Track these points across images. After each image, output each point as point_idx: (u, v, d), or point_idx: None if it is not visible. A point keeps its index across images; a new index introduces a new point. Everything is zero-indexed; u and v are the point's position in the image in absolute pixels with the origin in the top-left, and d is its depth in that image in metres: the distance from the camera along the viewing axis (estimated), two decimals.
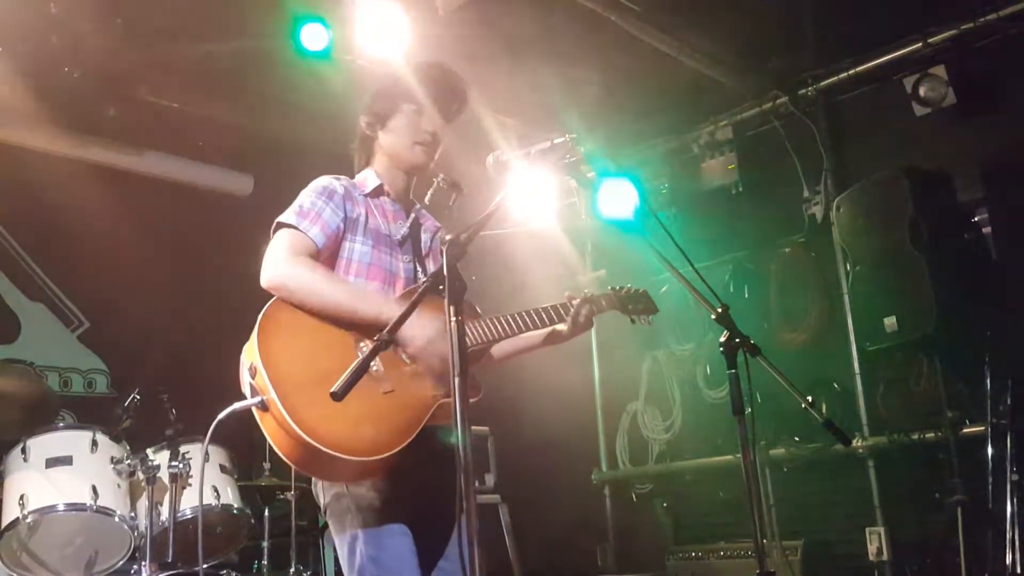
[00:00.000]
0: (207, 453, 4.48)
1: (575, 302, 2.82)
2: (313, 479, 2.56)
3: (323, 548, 5.48)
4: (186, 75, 5.44)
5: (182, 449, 4.29)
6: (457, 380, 1.96)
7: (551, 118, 5.61)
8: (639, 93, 5.89)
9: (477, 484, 4.99)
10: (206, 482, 4.36)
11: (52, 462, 4.08)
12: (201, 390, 5.47)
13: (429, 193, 2.74)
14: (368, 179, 2.76)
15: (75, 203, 5.56)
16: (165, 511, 4.18)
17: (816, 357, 5.62)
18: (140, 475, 4.20)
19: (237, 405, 2.36)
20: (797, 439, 5.54)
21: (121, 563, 4.14)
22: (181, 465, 4.23)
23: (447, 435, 2.07)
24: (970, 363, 4.53)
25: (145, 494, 4.16)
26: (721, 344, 2.57)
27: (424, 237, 2.80)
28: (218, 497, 4.35)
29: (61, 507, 3.97)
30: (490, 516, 5.63)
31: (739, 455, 2.53)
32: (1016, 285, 4.71)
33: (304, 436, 2.20)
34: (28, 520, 3.91)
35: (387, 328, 2.06)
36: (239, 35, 4.94)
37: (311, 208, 2.56)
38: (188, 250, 6.21)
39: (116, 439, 4.30)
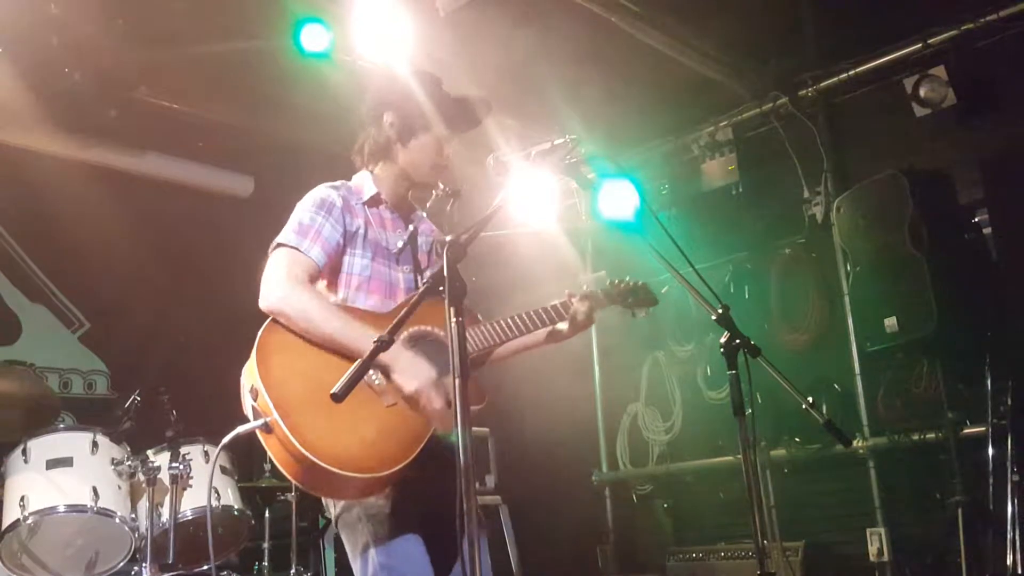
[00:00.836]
0: (207, 453, 4.49)
1: (575, 300, 2.81)
2: None
3: (323, 549, 5.48)
4: (187, 76, 5.44)
5: (182, 450, 4.29)
6: (458, 383, 1.95)
7: (551, 119, 5.61)
8: (639, 94, 5.88)
9: (478, 485, 4.99)
10: (206, 483, 4.36)
11: (53, 463, 4.09)
12: (201, 391, 5.50)
13: (430, 201, 2.74)
14: (365, 186, 2.72)
15: (76, 204, 5.57)
16: (166, 512, 4.18)
17: (816, 358, 5.61)
18: (141, 476, 4.20)
19: (241, 429, 2.34)
20: (797, 440, 5.54)
21: (122, 564, 4.14)
22: (181, 466, 4.24)
23: (450, 439, 2.07)
24: (970, 364, 4.53)
25: (146, 495, 4.17)
26: (721, 345, 2.57)
27: (421, 240, 2.78)
28: (219, 498, 4.35)
29: (62, 508, 3.97)
30: (491, 517, 5.64)
31: (739, 456, 2.53)
32: (1016, 286, 4.71)
33: (310, 456, 2.18)
34: (29, 521, 3.91)
35: (387, 330, 2.05)
36: (240, 36, 4.94)
37: (311, 224, 2.53)
38: (189, 251, 6.21)
39: (117, 440, 4.31)
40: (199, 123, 5.96)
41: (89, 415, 5.45)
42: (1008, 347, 4.39)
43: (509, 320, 2.69)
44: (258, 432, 2.32)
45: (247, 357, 2.40)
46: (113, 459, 4.22)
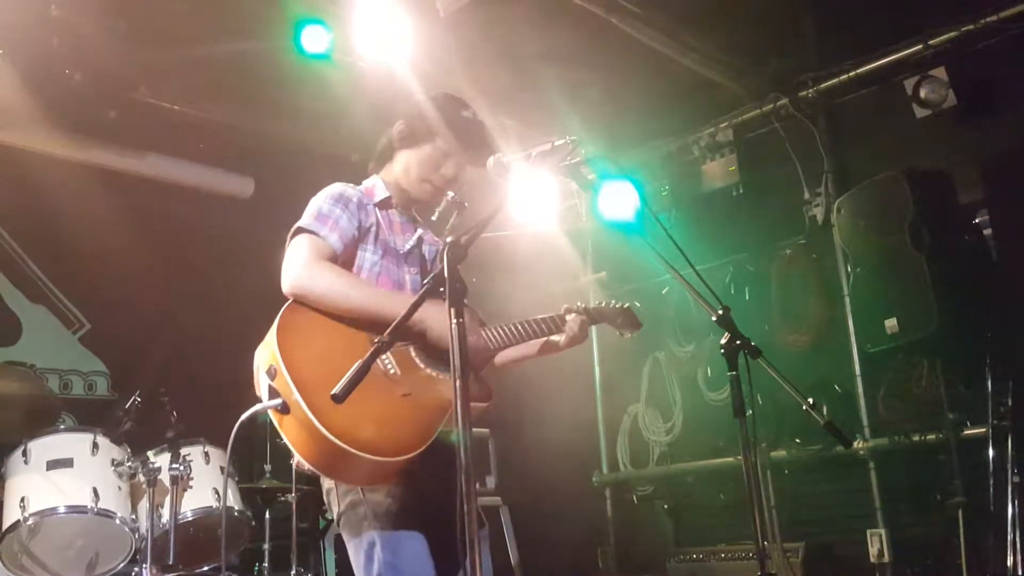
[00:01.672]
0: (207, 454, 4.49)
1: (570, 316, 2.87)
2: (325, 488, 2.55)
3: (324, 550, 5.48)
4: (187, 77, 5.44)
5: (183, 451, 4.30)
6: (458, 383, 1.95)
7: (552, 120, 5.62)
8: (640, 95, 5.89)
9: (478, 486, 4.99)
10: (207, 484, 4.37)
11: (53, 464, 4.09)
12: (202, 392, 5.53)
13: (439, 210, 2.75)
14: (377, 189, 2.76)
15: (76, 205, 5.57)
16: (166, 513, 4.18)
17: (817, 359, 5.61)
18: (141, 477, 4.21)
19: (258, 407, 2.34)
20: (798, 441, 5.54)
21: (122, 565, 4.14)
22: (182, 467, 4.24)
23: (452, 437, 2.08)
24: (971, 365, 4.53)
25: (146, 496, 4.17)
26: (722, 346, 2.57)
27: (426, 250, 2.81)
28: (219, 499, 4.35)
29: (62, 509, 3.98)
30: (491, 518, 5.63)
31: (740, 457, 2.53)
32: (1016, 286, 4.70)
33: (330, 436, 2.19)
34: (29, 522, 3.92)
35: (387, 330, 2.06)
36: (240, 37, 4.94)
37: (329, 214, 2.56)
38: (189, 252, 6.22)
39: (117, 441, 4.31)
40: (199, 124, 5.96)
41: (89, 416, 5.45)
42: (1008, 348, 4.39)
43: (510, 326, 2.72)
44: (272, 413, 2.31)
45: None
46: (113, 460, 4.22)
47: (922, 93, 5.11)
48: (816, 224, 5.74)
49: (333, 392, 1.94)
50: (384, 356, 2.41)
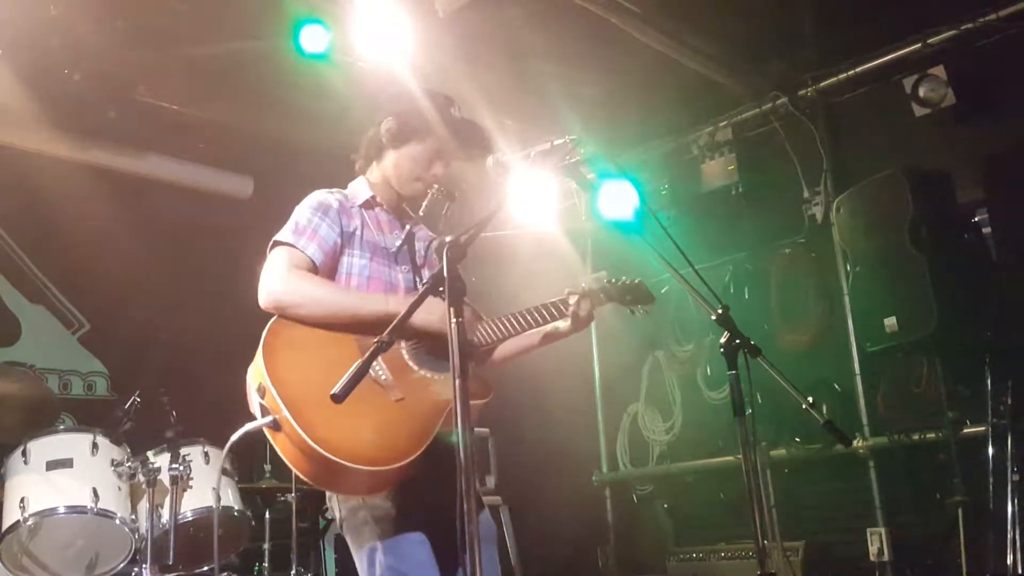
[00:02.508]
0: (207, 454, 4.49)
1: (574, 299, 2.81)
2: (328, 492, 2.54)
3: (324, 550, 5.48)
4: (186, 77, 5.44)
5: (182, 451, 4.30)
6: (458, 382, 1.95)
7: (551, 120, 5.62)
8: (639, 94, 5.89)
9: (478, 486, 4.99)
10: (206, 485, 4.36)
11: (53, 464, 4.09)
12: (201, 392, 5.51)
13: (424, 204, 2.74)
14: (360, 190, 2.75)
15: (75, 205, 5.57)
16: (166, 513, 4.18)
17: (816, 358, 5.61)
18: (141, 477, 4.21)
19: (249, 426, 2.34)
20: (798, 440, 5.54)
21: (122, 565, 4.14)
22: (181, 467, 4.24)
23: (452, 438, 2.08)
24: (970, 364, 4.53)
25: (146, 496, 4.17)
26: (721, 345, 2.56)
27: (419, 246, 2.79)
28: (219, 499, 4.35)
29: (62, 510, 3.97)
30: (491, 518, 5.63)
31: (740, 456, 2.53)
32: (1016, 286, 4.71)
33: (321, 451, 2.18)
34: (29, 523, 3.91)
35: (387, 331, 2.06)
36: (239, 37, 4.94)
37: (307, 225, 2.56)
38: (188, 252, 6.21)
39: (117, 441, 4.31)
40: (199, 124, 5.96)
41: (89, 416, 5.44)
42: (1008, 347, 4.39)
43: (512, 316, 2.69)
44: (266, 430, 2.31)
45: (248, 357, 2.40)
46: (113, 460, 4.22)
47: (921, 92, 5.11)
48: (815, 223, 5.74)
49: (333, 392, 1.93)
50: (375, 363, 2.38)
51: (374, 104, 2.84)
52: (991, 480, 4.21)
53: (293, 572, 4.86)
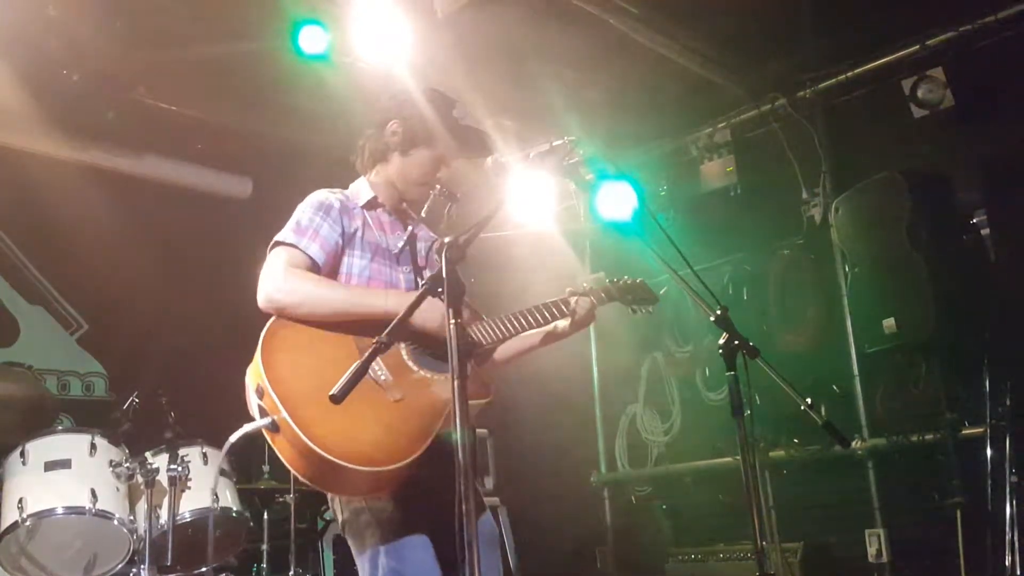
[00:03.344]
0: (205, 455, 4.49)
1: (575, 298, 2.82)
2: (330, 494, 2.53)
3: (322, 551, 5.48)
4: (185, 78, 5.44)
5: (181, 452, 4.29)
6: (457, 382, 1.95)
7: (550, 121, 5.62)
8: (637, 95, 5.88)
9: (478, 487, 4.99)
10: (205, 485, 4.36)
11: (51, 465, 4.08)
12: (200, 393, 5.51)
13: (427, 204, 2.74)
14: (361, 191, 2.75)
15: (74, 206, 5.57)
16: (164, 514, 4.18)
17: (815, 359, 5.60)
18: (139, 478, 4.20)
19: (248, 427, 2.33)
20: (796, 441, 5.53)
21: (120, 566, 4.13)
22: (180, 468, 4.23)
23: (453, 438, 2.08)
24: (969, 365, 4.53)
25: (144, 497, 4.16)
26: (720, 346, 2.57)
27: (420, 247, 2.79)
28: (217, 500, 4.35)
29: (60, 510, 3.97)
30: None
31: (738, 457, 2.53)
32: (1015, 287, 4.71)
33: (319, 451, 2.18)
34: (27, 524, 3.91)
35: (385, 332, 2.05)
36: (238, 38, 4.94)
37: (309, 224, 2.56)
38: (187, 253, 6.21)
39: (115, 442, 4.30)
40: (197, 125, 5.96)
41: (87, 417, 5.44)
42: (1007, 348, 4.39)
43: (512, 316, 2.69)
44: (265, 432, 2.31)
45: (246, 358, 2.40)
46: (111, 461, 4.21)
47: (920, 93, 5.11)
48: (814, 224, 5.74)
49: (331, 393, 1.93)
50: (374, 363, 2.37)
51: (374, 104, 2.84)
52: (989, 481, 4.22)
53: (291, 573, 4.86)
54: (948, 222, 4.67)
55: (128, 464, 4.22)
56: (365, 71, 4.93)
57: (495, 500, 5.80)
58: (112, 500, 4.10)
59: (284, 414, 2.22)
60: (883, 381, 5.27)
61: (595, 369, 6.91)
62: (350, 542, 2.48)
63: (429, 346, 2.52)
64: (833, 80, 5.60)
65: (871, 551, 5.17)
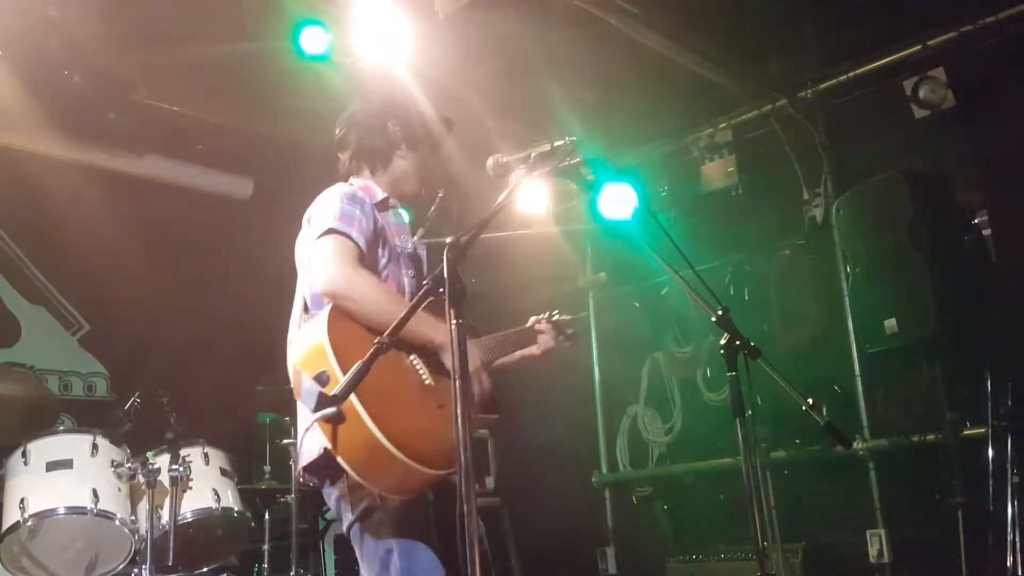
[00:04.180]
0: (206, 455, 4.49)
1: (540, 325, 2.92)
2: (336, 495, 2.50)
3: (323, 551, 5.48)
4: (186, 78, 5.44)
5: (182, 452, 4.29)
6: (458, 383, 1.96)
7: (550, 121, 5.62)
8: (638, 96, 5.88)
9: (477, 487, 4.99)
10: (206, 486, 4.37)
11: (52, 466, 4.08)
12: (201, 393, 5.51)
13: (433, 208, 2.76)
14: (375, 190, 2.75)
15: (75, 206, 5.57)
16: (165, 514, 4.18)
17: (816, 359, 5.60)
18: (140, 478, 4.20)
19: (316, 416, 2.25)
20: (797, 441, 5.53)
21: (122, 566, 4.13)
22: (181, 468, 4.24)
23: None
24: (971, 365, 4.53)
25: (146, 497, 4.16)
26: (721, 346, 2.57)
27: (421, 252, 2.80)
28: (218, 500, 4.35)
29: (61, 511, 3.97)
30: (491, 518, 5.63)
31: (739, 458, 2.53)
32: (1016, 287, 4.71)
33: (391, 449, 2.18)
34: (29, 524, 3.91)
35: (386, 332, 2.06)
36: (239, 38, 4.94)
37: (351, 215, 2.52)
38: (188, 253, 6.21)
39: (116, 442, 4.30)
40: (198, 125, 5.97)
41: (89, 417, 5.44)
42: (1008, 348, 4.39)
43: (495, 339, 2.76)
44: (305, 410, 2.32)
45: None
46: (113, 461, 4.21)
47: (921, 94, 5.11)
48: (815, 225, 5.74)
49: (333, 393, 1.94)
50: (418, 366, 2.43)
51: (367, 106, 2.85)
52: (991, 482, 4.21)
53: (292, 573, 4.86)
54: (949, 222, 4.66)
55: (129, 464, 4.23)
56: (366, 71, 4.93)
57: (496, 500, 5.80)
58: (114, 500, 4.11)
59: (358, 406, 2.18)
60: (884, 381, 5.28)
61: (596, 369, 6.91)
62: (358, 540, 2.46)
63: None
64: (834, 80, 5.60)
65: (872, 551, 5.17)
